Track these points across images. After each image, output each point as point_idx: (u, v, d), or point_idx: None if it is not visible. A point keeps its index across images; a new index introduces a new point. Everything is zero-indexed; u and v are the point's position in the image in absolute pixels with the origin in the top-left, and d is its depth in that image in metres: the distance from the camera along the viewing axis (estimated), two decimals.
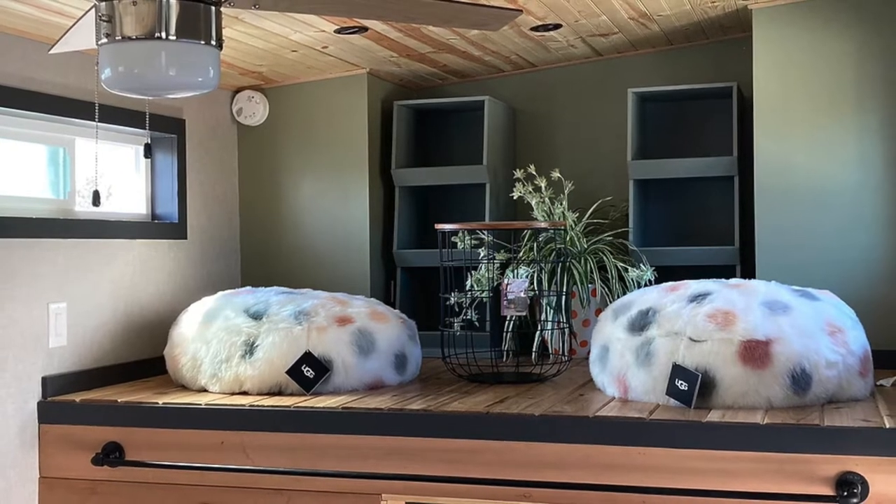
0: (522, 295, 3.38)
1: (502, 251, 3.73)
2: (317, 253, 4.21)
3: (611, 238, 3.86)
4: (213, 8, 2.19)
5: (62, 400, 3.20)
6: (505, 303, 3.39)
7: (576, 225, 3.83)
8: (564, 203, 3.80)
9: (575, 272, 3.70)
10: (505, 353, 3.68)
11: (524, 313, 3.43)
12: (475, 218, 4.18)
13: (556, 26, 3.67)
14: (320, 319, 3.25)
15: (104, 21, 2.13)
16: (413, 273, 4.30)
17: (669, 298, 3.02)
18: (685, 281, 3.16)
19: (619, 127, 4.08)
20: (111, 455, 3.06)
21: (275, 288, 3.58)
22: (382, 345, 3.31)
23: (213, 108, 4.12)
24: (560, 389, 3.20)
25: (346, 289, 3.84)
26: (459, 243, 3.53)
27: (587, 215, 3.90)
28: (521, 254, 3.72)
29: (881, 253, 3.52)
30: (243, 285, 4.07)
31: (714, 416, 2.71)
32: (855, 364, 2.89)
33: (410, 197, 4.34)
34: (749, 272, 3.76)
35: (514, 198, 3.83)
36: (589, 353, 3.22)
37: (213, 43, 2.20)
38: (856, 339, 2.94)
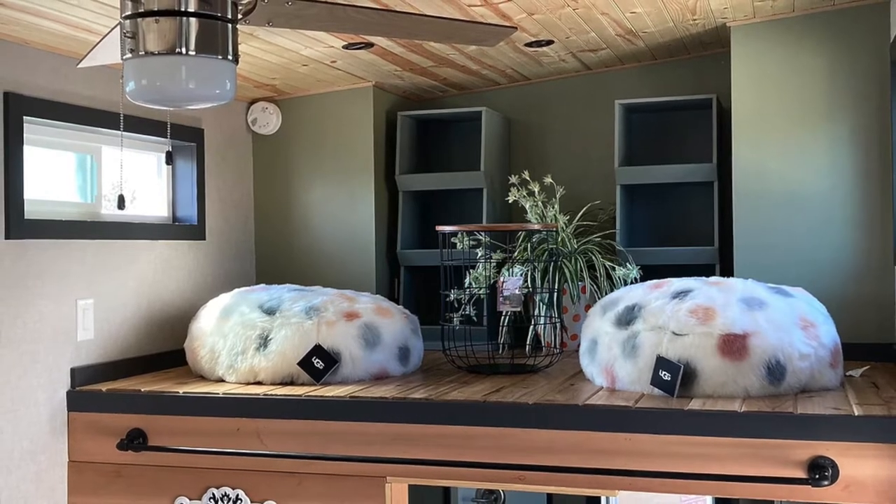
0: (517, 292, 3.38)
1: (498, 251, 3.73)
2: (326, 253, 4.21)
3: (599, 239, 3.86)
4: (229, 25, 2.18)
5: (89, 389, 3.19)
6: (501, 299, 3.39)
7: (567, 227, 3.82)
8: (556, 206, 3.79)
9: (566, 271, 3.70)
10: (501, 346, 3.68)
11: (519, 309, 3.43)
12: (473, 220, 4.18)
13: (549, 42, 3.67)
14: (329, 314, 3.25)
15: (128, 37, 2.12)
16: (415, 271, 4.29)
17: (654, 295, 3.02)
18: (668, 279, 3.16)
19: (607, 136, 4.07)
20: (135, 441, 3.06)
21: (287, 285, 3.57)
22: (387, 338, 3.31)
23: (230, 118, 4.12)
24: (552, 380, 3.20)
25: (353, 286, 3.84)
26: (458, 244, 3.53)
27: (577, 218, 3.89)
28: (515, 254, 3.72)
29: (850, 252, 3.52)
30: (258, 283, 4.07)
31: (695, 405, 2.71)
32: (826, 356, 2.89)
33: (413, 201, 4.34)
34: (727, 271, 3.76)
35: (510, 201, 3.82)
36: (579, 345, 3.21)
37: (230, 58, 2.19)
38: (827, 332, 2.94)
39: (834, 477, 2.51)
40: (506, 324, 3.68)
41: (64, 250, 3.18)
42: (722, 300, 2.91)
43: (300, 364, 3.16)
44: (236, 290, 3.53)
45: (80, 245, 3.24)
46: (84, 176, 3.50)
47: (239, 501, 3.00)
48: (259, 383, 3.19)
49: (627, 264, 3.66)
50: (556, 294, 3.60)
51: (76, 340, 3.22)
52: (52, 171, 3.37)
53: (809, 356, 2.84)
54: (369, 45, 3.47)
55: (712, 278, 3.15)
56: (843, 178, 3.53)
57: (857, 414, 2.56)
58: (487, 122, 4.17)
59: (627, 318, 2.98)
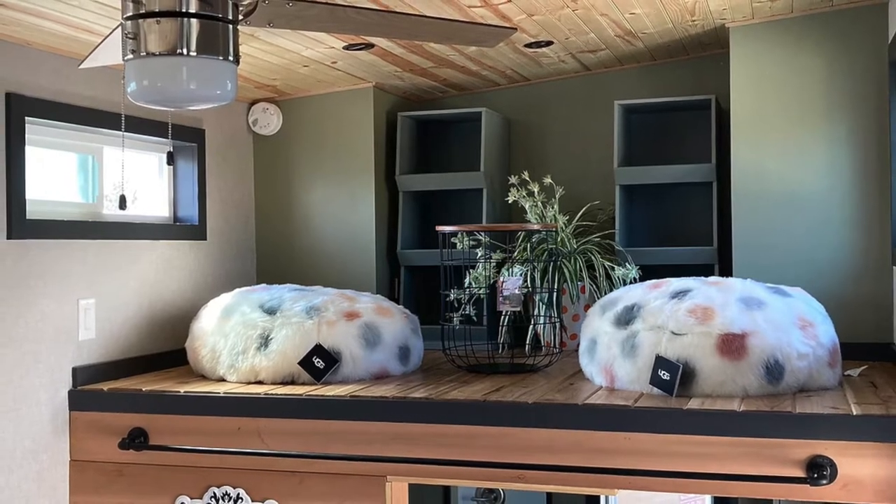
0: (517, 292, 3.38)
1: (498, 251, 3.73)
2: (327, 253, 4.21)
3: (598, 239, 3.86)
4: (230, 26, 2.18)
5: (91, 389, 3.19)
6: (501, 299, 3.39)
7: (566, 227, 3.82)
8: (556, 206, 3.79)
9: (565, 270, 3.69)
10: (500, 345, 3.67)
11: (518, 309, 3.43)
12: (473, 220, 4.18)
13: (548, 43, 3.67)
14: (330, 314, 3.25)
15: (130, 38, 2.12)
16: (415, 271, 4.29)
17: (653, 295, 3.02)
18: (667, 279, 3.16)
19: (606, 136, 4.07)
20: (136, 440, 3.06)
21: (288, 285, 3.57)
22: (387, 338, 3.31)
23: (231, 118, 4.12)
24: (551, 379, 3.20)
25: (353, 286, 3.83)
26: (458, 244, 3.53)
27: (577, 218, 3.89)
28: (515, 254, 3.72)
29: (848, 252, 3.52)
30: (258, 283, 4.07)
31: (694, 404, 2.71)
32: (824, 356, 2.89)
33: (413, 201, 4.34)
34: (726, 271, 3.76)
35: (509, 202, 3.82)
36: (578, 345, 3.21)
37: (231, 58, 2.19)
38: (825, 332, 2.93)
39: (832, 476, 2.51)
40: (505, 323, 3.68)
41: (66, 250, 3.17)
42: (721, 300, 2.91)
43: (301, 363, 3.16)
44: (237, 290, 3.53)
45: (81, 245, 3.24)
46: (86, 176, 3.50)
47: (240, 500, 3.00)
48: (260, 383, 3.19)
49: (626, 264, 3.66)
50: (555, 294, 3.60)
51: (78, 340, 3.22)
52: (54, 172, 3.37)
53: (808, 356, 2.84)
54: (370, 45, 3.47)
55: (711, 278, 3.15)
56: (842, 179, 3.53)
57: (855, 413, 2.56)
58: (487, 122, 4.17)
59: (626, 317, 2.98)
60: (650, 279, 3.24)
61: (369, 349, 3.24)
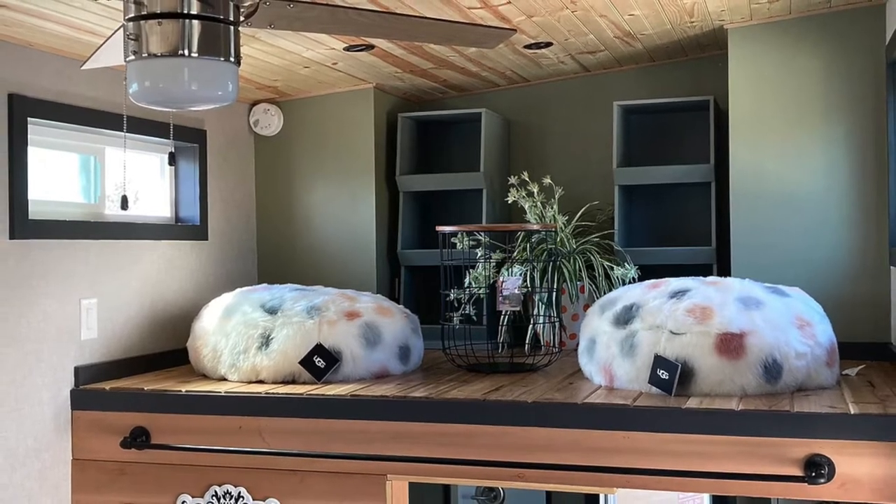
0: (516, 291, 3.38)
1: (498, 251, 3.73)
2: (327, 253, 4.21)
3: (598, 239, 3.86)
4: (231, 27, 2.19)
5: (93, 388, 3.20)
6: (500, 299, 3.39)
7: (565, 227, 3.82)
8: (555, 207, 3.79)
9: (565, 270, 3.70)
10: (500, 345, 3.68)
11: (518, 308, 3.43)
12: (473, 220, 4.18)
13: (548, 44, 3.67)
14: (331, 314, 3.25)
15: (132, 39, 2.13)
16: (416, 271, 4.29)
17: (652, 295, 3.02)
18: (666, 279, 3.16)
19: (606, 137, 4.07)
20: (138, 439, 3.06)
21: (289, 285, 3.57)
22: (388, 337, 3.31)
23: (232, 119, 4.12)
24: (551, 378, 3.20)
25: (354, 286, 3.84)
26: (458, 244, 3.53)
27: (576, 218, 3.89)
28: (515, 254, 3.72)
29: (846, 252, 3.52)
30: (260, 283, 4.07)
31: (692, 403, 2.71)
32: (822, 355, 2.89)
33: (413, 201, 4.34)
34: (724, 271, 3.76)
35: (509, 202, 3.82)
36: (577, 344, 3.21)
37: (232, 59, 2.19)
38: (823, 331, 2.93)
39: (830, 475, 2.51)
40: (505, 323, 3.68)
41: (68, 250, 3.18)
42: (719, 300, 2.91)
43: (302, 363, 3.16)
44: (238, 290, 3.53)
45: (83, 245, 3.24)
46: (88, 177, 3.50)
47: (241, 499, 3.00)
48: (261, 382, 3.19)
49: (626, 264, 3.66)
50: (554, 293, 3.60)
51: (80, 339, 3.22)
52: (56, 172, 3.37)
53: (806, 355, 2.84)
54: (370, 47, 3.47)
55: (709, 278, 3.15)
56: (839, 179, 3.53)
57: (853, 412, 2.56)
58: (487, 123, 4.18)
59: (625, 317, 2.98)
60: (649, 279, 3.24)
61: (370, 348, 3.24)
